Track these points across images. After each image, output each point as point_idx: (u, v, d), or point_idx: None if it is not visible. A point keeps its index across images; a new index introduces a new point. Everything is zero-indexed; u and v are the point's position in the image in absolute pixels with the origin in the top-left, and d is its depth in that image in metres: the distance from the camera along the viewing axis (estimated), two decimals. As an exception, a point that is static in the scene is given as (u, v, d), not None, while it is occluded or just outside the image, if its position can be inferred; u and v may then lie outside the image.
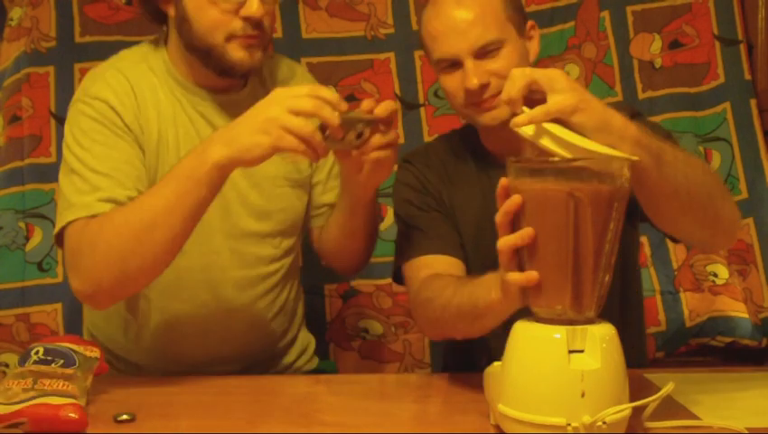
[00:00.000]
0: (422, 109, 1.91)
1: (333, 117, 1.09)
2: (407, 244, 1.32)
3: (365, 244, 1.39)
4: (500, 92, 1.21)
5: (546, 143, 0.93)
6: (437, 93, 1.90)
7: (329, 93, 1.11)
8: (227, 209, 1.33)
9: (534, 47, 1.30)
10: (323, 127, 1.09)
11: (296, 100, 1.09)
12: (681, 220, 1.07)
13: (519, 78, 0.96)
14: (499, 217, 0.94)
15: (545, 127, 0.93)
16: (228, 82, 1.34)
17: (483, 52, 1.22)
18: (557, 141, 0.92)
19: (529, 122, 0.94)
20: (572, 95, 0.94)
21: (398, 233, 1.37)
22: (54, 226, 1.28)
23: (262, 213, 1.38)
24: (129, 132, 1.29)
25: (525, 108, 0.96)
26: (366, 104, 1.13)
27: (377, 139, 1.14)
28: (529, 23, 1.29)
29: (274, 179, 1.38)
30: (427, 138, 1.88)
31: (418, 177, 1.35)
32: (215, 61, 1.28)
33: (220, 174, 1.13)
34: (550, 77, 0.96)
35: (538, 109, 0.95)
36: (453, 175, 1.35)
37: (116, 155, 1.27)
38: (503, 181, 0.94)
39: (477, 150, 1.35)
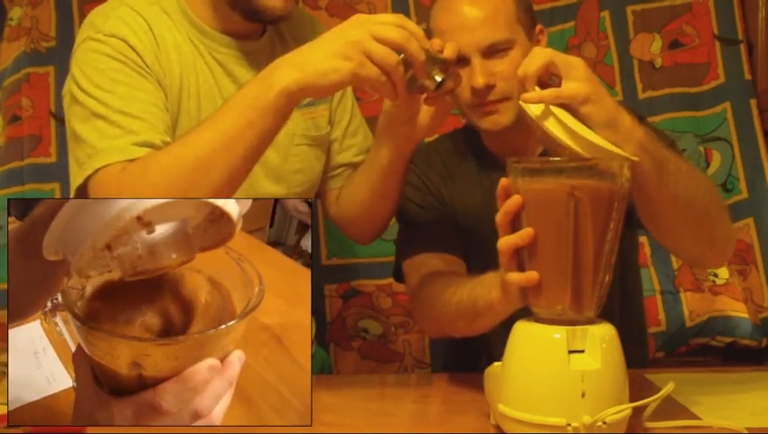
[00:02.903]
0: (422, 109, 1.91)
1: (420, 53, 1.00)
2: (408, 242, 1.32)
3: (394, 206, 1.31)
4: (505, 97, 1.21)
5: (550, 126, 0.93)
6: (437, 93, 1.89)
7: (415, 26, 1.02)
8: None
9: None
10: (405, 64, 1.01)
11: (381, 27, 0.99)
12: (676, 231, 1.07)
13: (539, 56, 0.95)
14: (499, 217, 0.94)
15: (552, 109, 0.93)
16: (250, 28, 1.25)
17: (492, 52, 1.20)
18: (562, 126, 0.92)
19: (539, 100, 0.94)
20: (587, 85, 0.94)
21: (399, 232, 1.37)
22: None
23: (279, 175, 1.29)
24: (152, 72, 1.17)
25: (537, 88, 0.95)
26: (437, 42, 1.06)
27: (449, 83, 1.07)
28: (538, 27, 1.28)
29: (292, 136, 1.29)
30: (427, 138, 1.88)
31: (419, 176, 1.35)
32: (244, 2, 1.18)
33: (288, 103, 1.02)
34: (570, 63, 0.95)
35: (550, 91, 0.94)
36: (454, 174, 1.35)
37: (143, 96, 1.14)
38: (503, 181, 0.94)
39: (478, 150, 1.35)
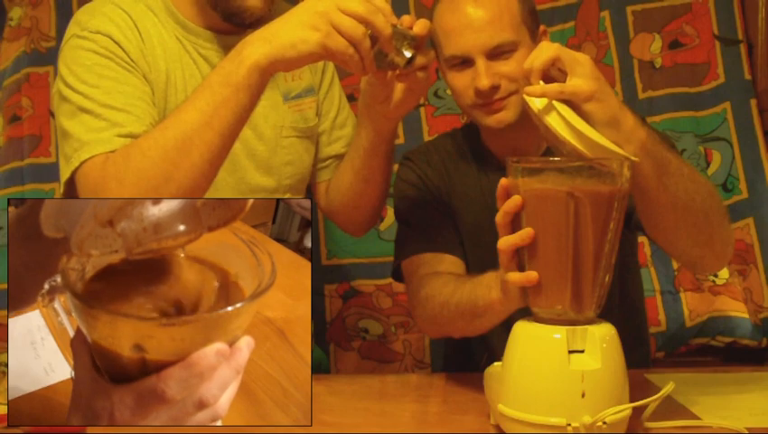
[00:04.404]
0: (422, 109, 1.91)
1: (386, 27, 1.00)
2: (407, 241, 1.32)
3: (381, 191, 1.31)
4: (509, 95, 1.20)
5: (551, 121, 0.93)
6: (437, 93, 1.90)
7: (382, 1, 1.02)
8: (233, 161, 1.24)
9: None
10: (371, 39, 1.01)
11: (347, 1, 1.00)
12: (675, 233, 1.07)
13: (546, 50, 0.95)
14: (499, 217, 0.94)
15: (555, 105, 0.93)
16: (232, 26, 1.25)
17: (496, 53, 1.20)
18: (564, 122, 0.92)
19: (542, 94, 0.94)
20: (592, 82, 0.94)
21: (398, 231, 1.36)
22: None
23: (269, 167, 1.31)
24: (137, 67, 1.19)
25: (542, 82, 0.95)
26: (407, 19, 1.06)
27: (420, 59, 1.07)
28: (541, 27, 1.27)
29: (280, 129, 1.31)
30: (427, 138, 1.88)
31: (419, 175, 1.35)
32: (224, 3, 1.20)
33: (260, 77, 1.02)
34: (576, 59, 0.95)
35: (554, 86, 0.94)
36: (453, 174, 1.35)
37: (128, 90, 1.15)
38: (503, 181, 0.94)
39: (478, 150, 1.35)
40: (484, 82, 1.19)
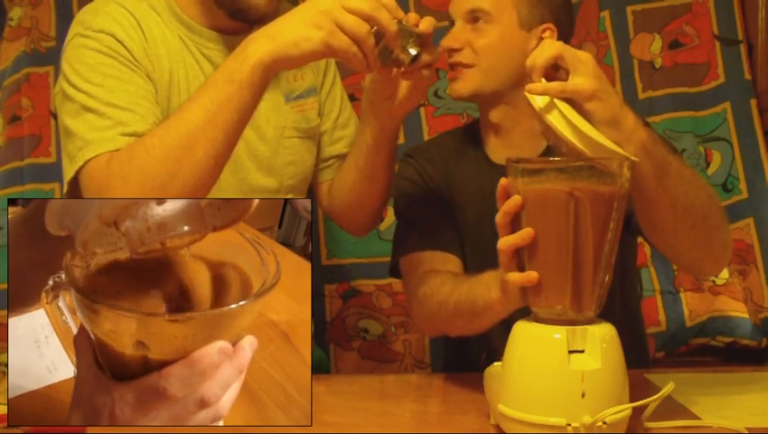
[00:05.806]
0: (422, 109, 1.91)
1: (391, 24, 1.01)
2: (406, 239, 1.32)
3: (383, 190, 1.31)
4: (467, 65, 1.24)
5: (552, 119, 0.93)
6: (437, 93, 1.90)
7: None
8: (236, 162, 1.23)
9: None
10: (376, 36, 1.02)
11: None
12: (674, 236, 1.07)
13: (549, 48, 0.96)
14: (499, 217, 0.94)
15: (556, 103, 0.93)
16: (238, 24, 1.25)
17: (471, 18, 1.25)
18: (565, 121, 0.92)
19: (543, 92, 0.94)
20: (594, 81, 0.94)
21: (397, 227, 1.36)
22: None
23: (271, 167, 1.31)
24: (141, 66, 1.19)
25: (543, 80, 0.95)
26: (412, 16, 1.06)
27: (425, 57, 1.07)
28: (545, 25, 1.27)
29: (282, 129, 1.32)
30: (427, 138, 1.88)
31: (419, 172, 1.35)
32: (230, 0, 1.21)
33: (263, 75, 1.03)
34: (579, 58, 0.95)
35: (555, 84, 0.94)
36: (454, 171, 1.35)
37: (132, 89, 1.16)
38: (503, 181, 0.94)
39: (479, 149, 1.35)
40: (446, 40, 1.25)
